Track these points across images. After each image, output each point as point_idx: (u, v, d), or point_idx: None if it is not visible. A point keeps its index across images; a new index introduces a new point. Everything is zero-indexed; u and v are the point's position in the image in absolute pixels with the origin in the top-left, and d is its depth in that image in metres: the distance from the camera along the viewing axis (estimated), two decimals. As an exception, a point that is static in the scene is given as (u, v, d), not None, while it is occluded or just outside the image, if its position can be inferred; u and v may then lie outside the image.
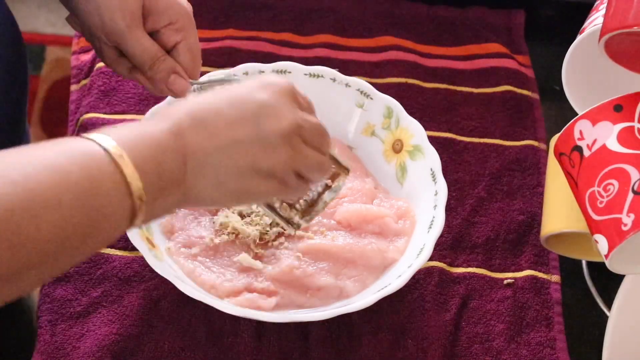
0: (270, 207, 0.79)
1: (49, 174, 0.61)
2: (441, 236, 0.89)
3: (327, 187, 0.81)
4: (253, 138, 0.68)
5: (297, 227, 0.81)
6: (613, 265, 0.79)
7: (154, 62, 0.83)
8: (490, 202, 0.99)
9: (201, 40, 0.87)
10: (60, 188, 0.61)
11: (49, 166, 0.62)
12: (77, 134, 1.00)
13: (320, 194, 0.82)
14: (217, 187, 0.69)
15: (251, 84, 0.71)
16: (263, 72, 0.95)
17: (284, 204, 0.80)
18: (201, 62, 0.86)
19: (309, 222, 0.82)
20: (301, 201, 0.81)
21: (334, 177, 0.81)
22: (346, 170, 0.81)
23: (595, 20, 0.87)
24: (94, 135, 0.65)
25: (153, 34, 0.83)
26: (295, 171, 0.71)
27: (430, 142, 0.94)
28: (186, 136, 0.67)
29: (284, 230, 0.89)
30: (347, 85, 0.97)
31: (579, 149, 0.80)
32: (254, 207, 0.90)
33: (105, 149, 0.63)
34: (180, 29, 0.83)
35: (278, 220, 0.80)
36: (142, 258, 0.86)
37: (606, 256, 0.78)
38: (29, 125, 1.08)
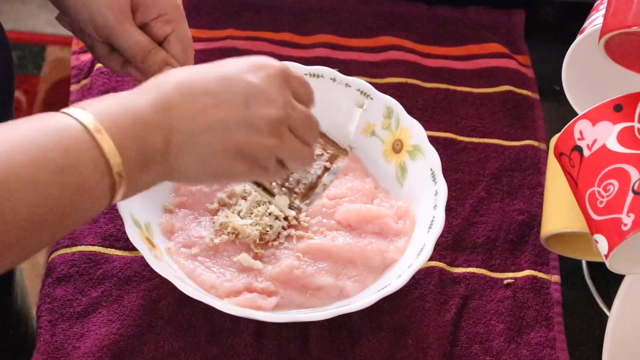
0: (269, 193, 0.81)
1: (24, 152, 0.61)
2: (441, 236, 0.89)
3: (326, 170, 0.83)
4: (240, 121, 0.68)
5: (299, 210, 0.82)
6: (613, 265, 0.79)
7: (146, 55, 0.82)
8: (490, 202, 0.99)
9: (201, 40, 0.87)
10: (35, 166, 0.60)
11: (24, 144, 0.61)
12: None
13: (319, 177, 0.83)
14: (200, 165, 0.69)
15: (243, 63, 0.71)
16: None
17: (284, 188, 0.81)
18: (193, 52, 0.85)
19: (309, 206, 0.83)
20: (301, 185, 0.82)
21: (332, 159, 0.83)
22: (344, 152, 0.82)
23: (595, 20, 0.87)
24: (72, 109, 0.64)
25: (143, 27, 0.83)
26: (277, 158, 0.72)
27: (430, 142, 0.94)
28: (174, 111, 0.67)
29: (286, 220, 0.90)
30: (347, 85, 0.97)
31: (579, 149, 0.80)
32: (254, 208, 0.90)
33: (82, 124, 0.63)
34: (169, 21, 0.83)
35: (278, 205, 0.82)
36: (142, 258, 0.86)
37: (606, 256, 0.78)
38: None
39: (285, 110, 0.70)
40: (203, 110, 0.67)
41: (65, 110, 0.64)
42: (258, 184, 0.80)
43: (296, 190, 0.82)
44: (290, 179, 0.82)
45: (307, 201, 0.82)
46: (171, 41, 0.83)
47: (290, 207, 0.82)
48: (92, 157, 0.63)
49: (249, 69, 0.70)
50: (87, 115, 0.63)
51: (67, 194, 0.62)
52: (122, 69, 0.85)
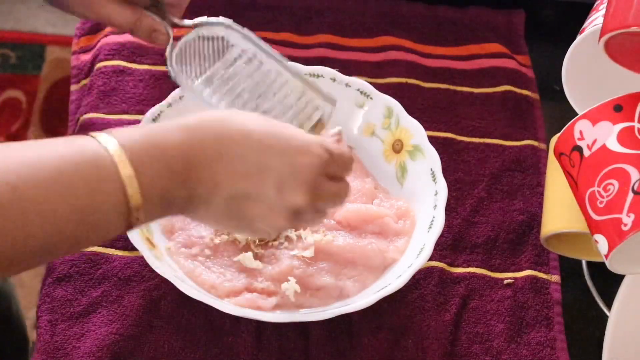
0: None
1: (49, 179, 0.61)
2: (441, 236, 0.89)
3: None
4: (264, 200, 0.69)
5: None
6: (613, 265, 0.79)
7: (132, 27, 0.87)
8: (490, 202, 0.99)
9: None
10: (58, 201, 0.61)
11: (53, 174, 0.61)
12: (77, 134, 1.00)
13: None
14: (214, 221, 0.71)
15: (292, 141, 0.70)
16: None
17: None
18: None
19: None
20: None
21: None
22: None
23: (595, 20, 0.87)
24: (111, 147, 0.63)
25: None
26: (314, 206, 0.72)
27: (430, 142, 0.94)
28: (204, 172, 0.67)
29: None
30: (347, 85, 0.97)
31: (579, 149, 0.80)
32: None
33: (115, 164, 0.63)
34: None
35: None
36: (142, 258, 0.86)
37: (606, 256, 0.78)
38: None
39: (311, 201, 0.71)
40: (232, 176, 0.68)
41: (104, 146, 0.64)
42: None
43: None
44: None
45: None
46: None
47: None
48: (115, 202, 0.63)
49: (294, 152, 0.70)
50: (122, 157, 0.63)
51: (82, 230, 0.63)
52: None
